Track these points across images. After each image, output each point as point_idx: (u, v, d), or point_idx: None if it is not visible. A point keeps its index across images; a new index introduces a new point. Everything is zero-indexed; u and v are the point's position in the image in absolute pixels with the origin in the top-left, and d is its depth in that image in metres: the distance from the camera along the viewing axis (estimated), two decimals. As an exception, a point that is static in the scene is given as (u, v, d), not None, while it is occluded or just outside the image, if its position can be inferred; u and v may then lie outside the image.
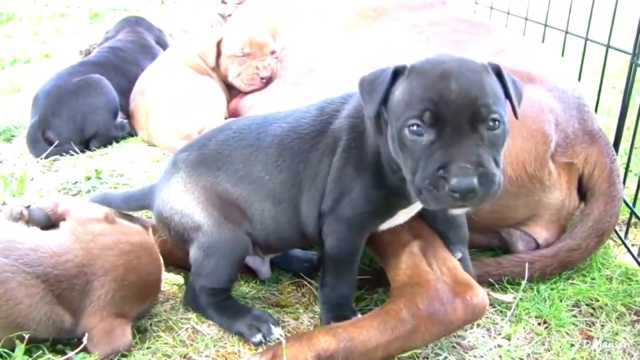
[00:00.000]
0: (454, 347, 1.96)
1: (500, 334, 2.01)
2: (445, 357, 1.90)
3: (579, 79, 2.90)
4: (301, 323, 2.05)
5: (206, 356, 1.87)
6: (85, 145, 3.38)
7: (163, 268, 2.01)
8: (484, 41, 2.59)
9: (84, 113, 3.34)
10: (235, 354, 1.89)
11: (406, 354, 1.85)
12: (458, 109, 1.54)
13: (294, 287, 2.24)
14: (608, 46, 2.69)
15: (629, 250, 2.44)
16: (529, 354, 1.93)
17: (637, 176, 2.53)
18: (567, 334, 2.03)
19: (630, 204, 2.51)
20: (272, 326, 1.92)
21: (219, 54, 3.62)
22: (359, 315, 1.92)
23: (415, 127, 1.56)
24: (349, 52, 2.89)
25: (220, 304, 1.99)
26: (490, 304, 2.11)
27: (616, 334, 2.04)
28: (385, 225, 1.94)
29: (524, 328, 2.04)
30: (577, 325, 2.07)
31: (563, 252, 2.26)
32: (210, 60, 3.62)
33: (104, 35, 4.48)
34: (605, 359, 1.93)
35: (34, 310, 1.72)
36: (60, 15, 6.91)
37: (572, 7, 3.09)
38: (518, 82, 1.75)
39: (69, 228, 1.89)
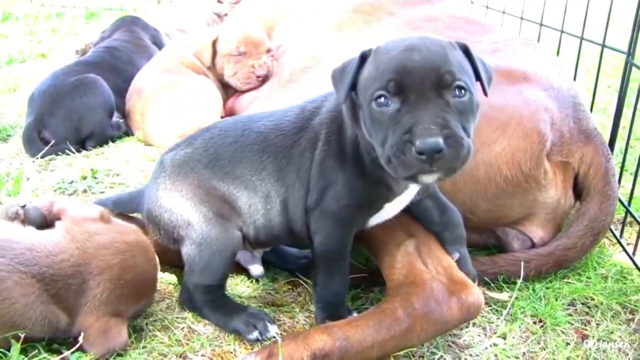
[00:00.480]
0: (449, 346, 1.96)
1: (495, 333, 2.02)
2: (441, 356, 1.91)
3: (575, 78, 2.91)
4: (297, 322, 2.05)
5: (202, 355, 1.87)
6: (81, 144, 3.38)
7: (159, 267, 2.01)
8: (479, 39, 2.60)
9: (80, 113, 3.33)
10: (231, 353, 1.89)
11: (402, 353, 1.85)
12: (421, 76, 1.56)
13: (290, 287, 2.24)
14: (603, 45, 2.69)
15: (624, 249, 2.45)
16: (524, 353, 1.94)
17: (632, 175, 2.52)
18: (563, 332, 2.04)
19: (626, 203, 2.51)
20: (268, 324, 1.93)
21: (214, 53, 3.63)
22: (355, 314, 1.92)
23: (382, 99, 1.60)
24: (344, 49, 2.89)
25: (215, 302, 1.99)
26: (486, 303, 2.11)
27: (611, 332, 2.05)
28: (374, 221, 1.94)
29: (520, 327, 2.05)
30: (572, 324, 2.08)
31: (559, 251, 2.26)
32: (206, 60, 3.63)
33: (100, 34, 4.48)
34: (600, 358, 1.93)
35: (29, 310, 1.72)
36: (57, 15, 6.90)
37: (568, 7, 3.10)
38: (487, 64, 1.78)
39: (65, 227, 1.89)
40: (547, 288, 2.23)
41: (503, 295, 2.18)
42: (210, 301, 1.99)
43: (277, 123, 1.99)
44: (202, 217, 1.94)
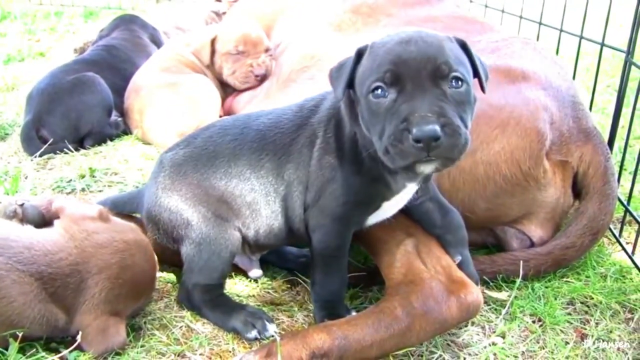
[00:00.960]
0: (448, 345, 1.96)
1: (494, 332, 2.02)
2: (440, 355, 1.90)
3: (574, 77, 2.90)
4: (296, 321, 2.05)
5: (200, 354, 1.87)
6: (80, 143, 3.37)
7: (157, 266, 2.01)
8: (478, 39, 2.60)
9: (78, 111, 3.32)
10: (230, 352, 1.88)
11: (401, 352, 1.85)
12: (418, 67, 1.57)
13: (288, 286, 2.24)
14: (602, 44, 2.69)
15: (623, 249, 2.45)
16: (523, 352, 1.93)
17: (631, 174, 2.52)
18: (562, 331, 2.04)
19: (625, 202, 2.51)
20: (266, 323, 1.93)
21: (213, 52, 3.63)
22: (353, 313, 1.92)
23: (378, 90, 1.61)
24: (343, 48, 2.89)
25: (214, 301, 1.99)
26: (485, 302, 2.11)
27: (610, 331, 2.05)
28: (372, 219, 1.95)
29: (519, 326, 2.04)
30: (571, 323, 2.08)
31: (558, 250, 2.26)
32: (205, 58, 3.63)
33: (99, 33, 4.47)
34: (599, 357, 1.93)
35: (27, 309, 1.71)
36: (55, 14, 6.88)
37: (567, 6, 3.10)
38: (483, 62, 1.79)
39: (63, 226, 1.89)
40: (546, 287, 2.23)
41: (502, 295, 2.17)
42: (208, 300, 1.99)
43: (275, 121, 2.00)
44: (201, 217, 1.94)
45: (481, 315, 2.08)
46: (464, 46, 1.71)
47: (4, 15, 6.75)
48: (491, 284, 2.21)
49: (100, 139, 3.44)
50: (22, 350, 1.75)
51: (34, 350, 1.78)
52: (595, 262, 2.39)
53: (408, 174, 1.76)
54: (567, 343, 1.98)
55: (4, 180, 2.86)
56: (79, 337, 1.76)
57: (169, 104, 3.42)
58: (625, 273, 2.34)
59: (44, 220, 2.16)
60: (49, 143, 3.24)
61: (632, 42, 2.46)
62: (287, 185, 1.94)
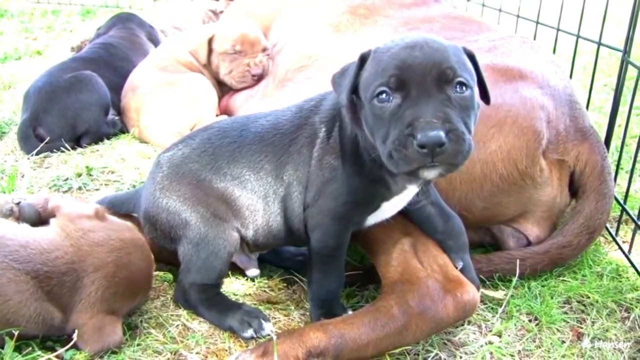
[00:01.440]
0: (444, 344, 1.96)
1: (491, 331, 2.02)
2: (436, 354, 1.91)
3: (571, 77, 2.90)
4: (292, 320, 2.05)
5: (197, 353, 1.87)
6: (77, 142, 3.36)
7: (154, 265, 2.01)
8: (476, 38, 2.60)
9: (75, 110, 3.32)
10: (226, 350, 1.88)
11: (397, 351, 1.85)
12: (423, 72, 1.58)
13: (285, 284, 2.24)
14: (599, 44, 2.69)
15: (619, 247, 2.45)
16: (519, 351, 1.94)
17: (628, 173, 2.52)
18: (558, 330, 2.04)
19: (622, 201, 2.51)
20: (262, 321, 1.93)
21: (210, 51, 3.63)
22: (350, 312, 1.92)
23: (383, 95, 1.61)
24: (340, 49, 2.89)
25: (210, 300, 2.00)
26: (481, 301, 2.12)
27: (607, 330, 2.05)
28: (371, 220, 1.95)
29: (515, 325, 2.05)
30: (567, 322, 2.08)
31: (554, 249, 2.26)
32: (202, 58, 3.63)
33: (96, 31, 4.46)
34: (595, 356, 1.93)
35: (23, 307, 1.71)
36: (52, 12, 6.87)
37: (564, 5, 3.10)
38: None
39: (59, 225, 1.89)
40: (543, 286, 2.23)
41: (498, 293, 2.18)
42: (205, 299, 1.99)
43: (274, 122, 2.00)
44: (200, 218, 1.94)
45: (477, 314, 2.08)
46: (471, 57, 1.72)
47: (1, 13, 6.74)
48: (488, 282, 2.21)
49: (97, 138, 3.43)
50: (18, 349, 1.75)
51: (30, 348, 1.78)
52: (592, 261, 2.39)
53: (410, 178, 1.76)
54: (563, 342, 1.98)
55: (0, 179, 2.86)
56: (75, 336, 1.75)
57: (166, 102, 3.42)
58: (621, 272, 2.34)
59: (40, 219, 2.16)
60: (45, 141, 3.23)
61: (629, 41, 2.47)
62: (287, 186, 1.95)
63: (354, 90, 1.73)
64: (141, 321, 1.99)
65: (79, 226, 1.87)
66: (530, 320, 2.08)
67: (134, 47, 4.11)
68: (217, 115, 3.55)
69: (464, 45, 1.74)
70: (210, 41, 3.61)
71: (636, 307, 2.15)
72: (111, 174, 3.03)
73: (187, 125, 3.36)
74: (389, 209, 1.94)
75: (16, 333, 1.70)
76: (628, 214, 2.46)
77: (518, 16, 3.70)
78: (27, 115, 3.29)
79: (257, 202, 1.96)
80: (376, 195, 1.88)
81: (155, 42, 4.39)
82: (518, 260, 2.20)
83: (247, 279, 2.23)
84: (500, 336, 2.00)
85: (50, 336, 1.83)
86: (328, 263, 1.95)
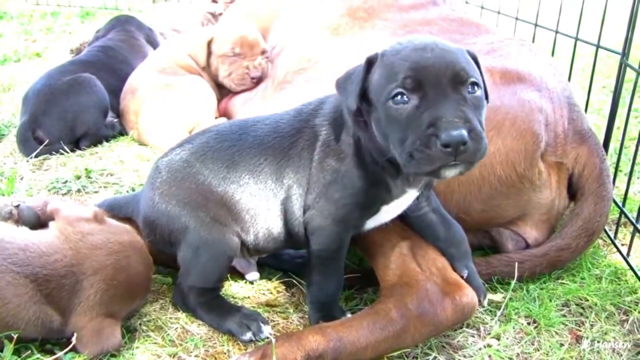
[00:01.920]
0: (443, 346, 1.96)
1: (489, 334, 2.02)
2: (435, 357, 1.91)
3: (569, 79, 2.90)
4: (291, 323, 2.05)
5: (196, 356, 1.87)
6: (76, 144, 3.37)
7: (153, 268, 2.01)
8: (474, 41, 2.60)
9: (74, 112, 3.32)
10: (225, 353, 1.88)
11: (396, 354, 1.85)
12: (437, 73, 1.60)
13: (284, 287, 2.24)
14: (598, 46, 2.70)
15: (618, 250, 2.45)
16: (518, 354, 1.94)
17: (626, 176, 2.53)
18: (557, 333, 2.04)
19: (620, 204, 2.51)
20: (261, 324, 1.93)
21: (209, 54, 3.63)
22: (349, 315, 1.93)
23: (399, 97, 1.62)
24: (339, 52, 2.89)
25: (209, 302, 1.99)
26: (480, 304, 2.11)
27: (605, 333, 2.05)
28: (371, 223, 1.95)
29: (514, 328, 2.05)
30: (566, 325, 2.08)
31: (553, 251, 2.26)
32: (201, 60, 3.63)
33: (95, 34, 4.46)
34: (594, 359, 1.94)
35: (22, 310, 1.71)
36: (51, 14, 6.88)
37: (563, 7, 3.10)
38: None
39: (58, 227, 1.89)
40: (541, 289, 2.23)
41: (497, 296, 2.18)
42: (204, 302, 1.99)
43: (274, 126, 2.00)
44: (199, 222, 1.94)
45: (476, 317, 2.08)
46: (474, 59, 1.74)
47: (1, 15, 6.74)
48: (486, 285, 2.21)
49: (96, 140, 3.43)
50: (17, 352, 1.75)
51: (29, 352, 1.78)
52: (590, 264, 2.39)
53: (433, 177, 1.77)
54: (562, 345, 1.98)
55: (-1, 181, 2.87)
56: (74, 339, 1.75)
57: (165, 105, 3.42)
58: (620, 275, 2.34)
59: (39, 222, 2.16)
60: (44, 144, 3.24)
61: (627, 44, 2.47)
62: (287, 189, 1.94)
63: (362, 92, 1.73)
64: (140, 324, 1.99)
65: (78, 229, 1.87)
66: (529, 323, 2.08)
67: (133, 50, 4.11)
68: (216, 118, 3.55)
69: (466, 48, 1.75)
70: (209, 44, 3.61)
71: (635, 310, 2.15)
72: (110, 177, 3.03)
73: (186, 127, 3.36)
74: (388, 212, 1.94)
75: (15, 336, 1.70)
76: (627, 216, 2.47)
77: (517, 18, 3.71)
78: (26, 117, 3.30)
79: (257, 206, 1.96)
80: (376, 198, 1.88)
81: (154, 44, 4.39)
82: (517, 263, 2.20)
83: (246, 282, 2.23)
84: (498, 339, 2.00)
85: (49, 339, 1.83)
86: (327, 266, 1.95)
